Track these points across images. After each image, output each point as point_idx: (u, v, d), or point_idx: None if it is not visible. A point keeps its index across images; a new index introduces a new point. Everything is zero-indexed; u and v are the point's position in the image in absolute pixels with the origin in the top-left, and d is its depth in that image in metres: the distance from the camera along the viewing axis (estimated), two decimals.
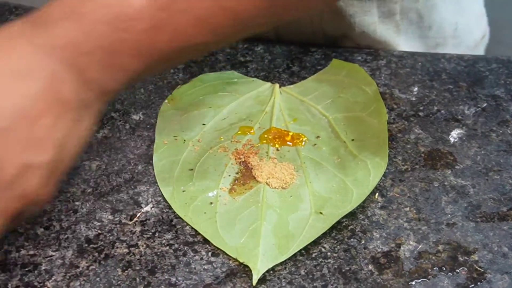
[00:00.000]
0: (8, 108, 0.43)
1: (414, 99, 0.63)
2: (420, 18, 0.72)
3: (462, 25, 0.76)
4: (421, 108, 0.62)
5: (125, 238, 0.52)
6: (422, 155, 0.58)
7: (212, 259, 0.51)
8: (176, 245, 0.52)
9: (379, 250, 0.51)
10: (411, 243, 0.52)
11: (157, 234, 0.52)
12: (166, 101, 0.62)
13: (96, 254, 0.51)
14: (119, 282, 0.49)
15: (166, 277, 0.49)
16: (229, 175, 0.56)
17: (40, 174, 0.44)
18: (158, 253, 0.51)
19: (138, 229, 0.53)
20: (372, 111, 0.59)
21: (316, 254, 0.51)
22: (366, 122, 0.58)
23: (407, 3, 0.70)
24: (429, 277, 0.49)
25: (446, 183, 0.56)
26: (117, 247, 0.51)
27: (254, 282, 0.49)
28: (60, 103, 0.44)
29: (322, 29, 0.70)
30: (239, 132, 0.59)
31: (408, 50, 0.70)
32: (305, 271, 0.50)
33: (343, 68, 0.62)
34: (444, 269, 0.50)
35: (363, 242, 0.52)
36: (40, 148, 0.44)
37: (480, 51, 0.81)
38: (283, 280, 0.49)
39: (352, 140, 0.57)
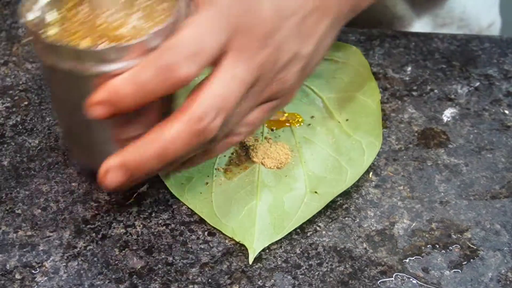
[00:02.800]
0: (290, 2, 0.47)
1: (407, 78, 0.63)
2: None
3: (470, 8, 0.76)
4: (415, 87, 0.62)
5: (122, 219, 0.52)
6: (416, 134, 0.58)
7: (209, 238, 0.51)
8: (173, 225, 0.52)
9: (373, 228, 0.52)
10: (404, 221, 0.52)
11: (153, 214, 0.53)
12: None
13: (94, 234, 0.51)
14: (116, 262, 0.50)
15: (163, 256, 0.50)
16: (224, 156, 0.56)
17: (300, 65, 0.48)
18: (155, 233, 0.51)
19: (134, 209, 0.53)
20: (366, 91, 0.59)
21: (311, 232, 0.51)
22: (360, 102, 0.59)
23: None
24: (422, 254, 0.50)
25: (439, 162, 0.56)
26: (114, 227, 0.52)
27: (251, 260, 0.49)
28: (324, 7, 0.49)
29: None
30: None
31: (419, 27, 0.71)
32: (301, 249, 0.50)
33: (339, 50, 0.63)
34: (438, 246, 0.50)
35: (357, 220, 0.52)
36: (307, 40, 0.48)
37: None
38: (279, 258, 0.50)
39: (347, 120, 0.58)
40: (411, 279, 0.49)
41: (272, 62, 0.46)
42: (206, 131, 0.43)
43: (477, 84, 0.63)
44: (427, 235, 0.51)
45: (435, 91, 0.62)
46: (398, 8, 0.71)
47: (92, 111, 0.43)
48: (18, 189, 0.54)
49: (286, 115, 0.59)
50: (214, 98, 0.44)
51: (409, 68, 0.64)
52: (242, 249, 0.50)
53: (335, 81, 0.61)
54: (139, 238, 0.51)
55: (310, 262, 0.50)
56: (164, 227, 0.52)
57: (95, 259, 0.50)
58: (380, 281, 0.48)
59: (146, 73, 0.42)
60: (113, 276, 0.49)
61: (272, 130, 0.58)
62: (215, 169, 0.55)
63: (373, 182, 0.55)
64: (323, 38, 0.50)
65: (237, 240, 0.51)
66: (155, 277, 0.49)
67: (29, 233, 0.52)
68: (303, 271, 0.49)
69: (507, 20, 0.84)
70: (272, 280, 0.48)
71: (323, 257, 0.50)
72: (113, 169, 0.44)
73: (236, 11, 0.45)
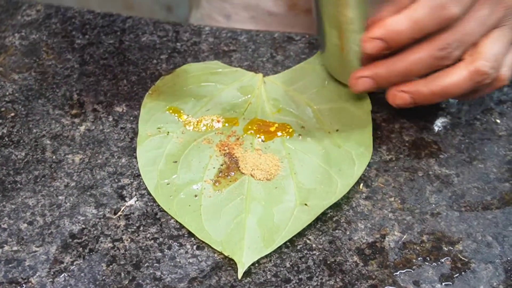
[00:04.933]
0: None
1: None
2: None
3: None
4: None
5: (110, 233, 0.52)
6: (407, 144, 0.58)
7: (197, 252, 0.51)
8: (161, 239, 0.51)
9: (364, 241, 0.51)
10: (395, 233, 0.52)
11: (141, 228, 0.52)
12: (149, 92, 0.61)
13: (81, 249, 0.51)
14: (103, 277, 0.49)
15: (151, 271, 0.49)
16: (214, 167, 0.55)
17: None
18: (143, 247, 0.51)
19: (122, 223, 0.52)
20: (356, 101, 0.59)
21: (301, 246, 0.51)
22: (350, 113, 0.58)
23: None
24: (413, 267, 0.49)
25: (430, 172, 0.56)
26: (101, 242, 0.51)
27: (240, 275, 0.49)
28: None
29: None
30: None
31: None
32: (290, 263, 0.50)
33: None
34: (429, 259, 0.50)
35: (348, 233, 0.52)
36: None
37: None
38: (268, 272, 0.49)
39: (337, 130, 0.57)
40: None
41: None
42: (446, 56, 0.53)
43: None
44: (418, 248, 0.51)
45: None
46: None
47: (367, 46, 0.53)
48: (4, 202, 0.54)
49: (276, 125, 0.59)
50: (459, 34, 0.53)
51: None
52: (231, 263, 0.50)
53: (325, 91, 0.60)
54: (126, 252, 0.50)
55: (300, 276, 0.49)
56: (152, 241, 0.51)
57: (82, 274, 0.49)
58: None
59: (420, 11, 0.51)
60: None
61: (262, 141, 0.57)
62: (204, 181, 0.54)
63: (363, 194, 0.54)
64: None
65: (226, 254, 0.50)
66: None
67: (15, 248, 0.51)
68: (293, 285, 0.48)
69: None
70: None
71: (313, 270, 0.49)
72: (363, 77, 0.55)
73: None
